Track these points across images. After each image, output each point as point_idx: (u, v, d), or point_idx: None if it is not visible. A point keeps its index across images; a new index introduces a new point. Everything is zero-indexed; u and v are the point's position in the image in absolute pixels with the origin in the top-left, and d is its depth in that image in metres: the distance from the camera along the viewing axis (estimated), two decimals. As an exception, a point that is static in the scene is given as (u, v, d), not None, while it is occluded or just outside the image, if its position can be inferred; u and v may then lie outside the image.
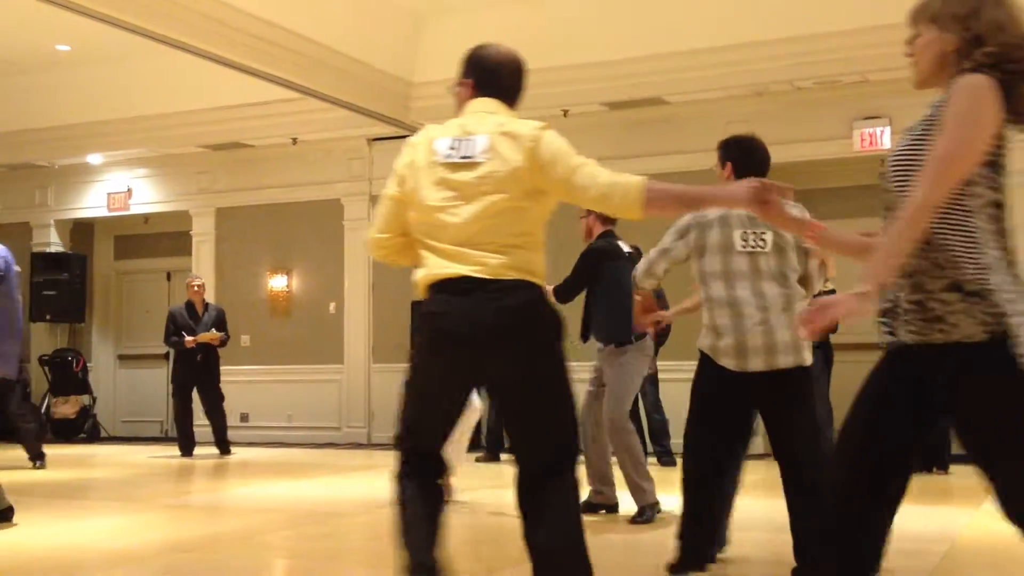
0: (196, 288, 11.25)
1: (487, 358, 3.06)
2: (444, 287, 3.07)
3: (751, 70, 10.05)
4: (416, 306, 3.24)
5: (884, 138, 10.11)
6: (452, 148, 3.21)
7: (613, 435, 6.11)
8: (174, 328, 11.05)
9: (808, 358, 4.28)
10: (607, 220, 6.31)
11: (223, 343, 11.11)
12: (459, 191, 3.12)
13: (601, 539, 5.39)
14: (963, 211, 2.49)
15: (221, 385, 11.11)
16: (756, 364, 4.17)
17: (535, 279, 3.10)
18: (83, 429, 13.48)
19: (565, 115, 11.18)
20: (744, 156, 4.38)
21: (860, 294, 2.48)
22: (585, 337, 6.42)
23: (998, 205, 2.52)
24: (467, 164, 3.15)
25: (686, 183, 3.63)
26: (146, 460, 10.85)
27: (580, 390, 6.06)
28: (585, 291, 6.34)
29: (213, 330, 10.99)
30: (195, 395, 11.10)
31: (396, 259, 3.37)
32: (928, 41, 2.74)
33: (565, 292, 6.16)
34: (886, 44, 9.54)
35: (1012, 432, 2.41)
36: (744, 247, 4.24)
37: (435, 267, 3.10)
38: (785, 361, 4.19)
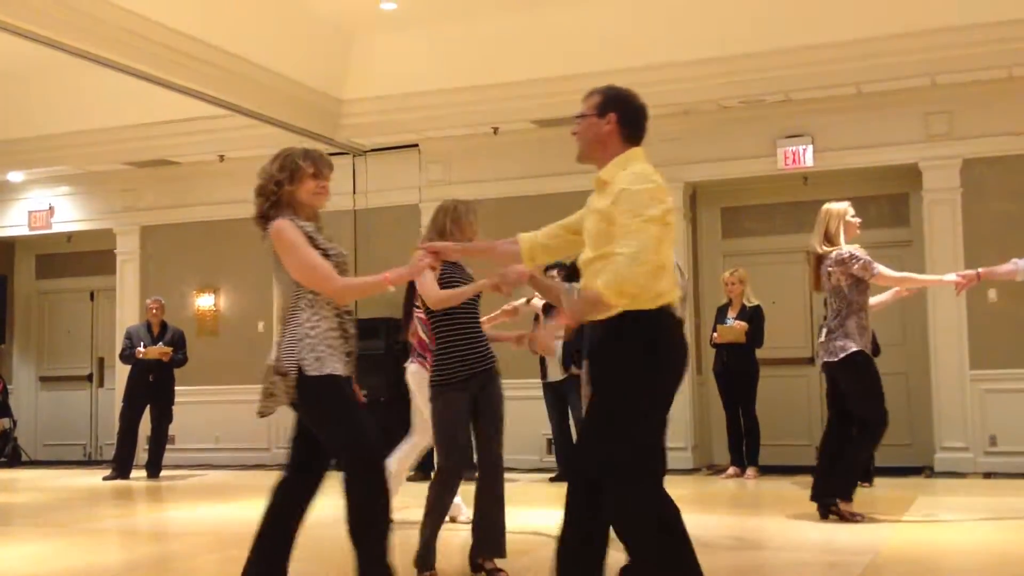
0: (154, 310, 11.17)
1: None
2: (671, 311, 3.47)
3: (678, 89, 10.18)
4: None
5: (807, 156, 10.31)
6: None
7: None
8: (129, 345, 10.96)
9: None
10: None
11: (177, 363, 11.00)
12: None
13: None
14: None
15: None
16: None
17: None
18: (3, 453, 13.14)
19: (495, 132, 11.24)
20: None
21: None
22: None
23: None
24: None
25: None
26: (69, 484, 10.59)
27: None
28: None
29: (161, 344, 10.87)
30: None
31: None
32: None
33: None
34: (808, 64, 9.81)
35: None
36: None
37: (671, 293, 3.47)
38: None
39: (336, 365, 3.95)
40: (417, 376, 6.28)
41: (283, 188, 4.06)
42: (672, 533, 3.34)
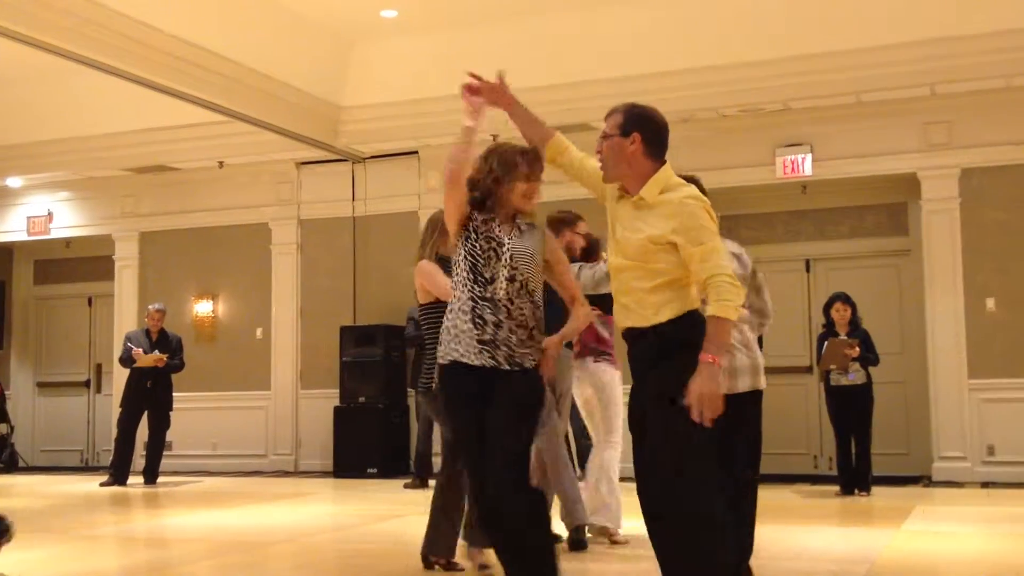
0: (156, 317, 11.14)
1: None
2: None
3: (677, 97, 10.18)
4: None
5: (806, 165, 10.32)
6: None
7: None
8: (128, 350, 10.95)
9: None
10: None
11: (172, 368, 10.99)
12: None
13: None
14: None
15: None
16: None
17: None
18: (0, 459, 13.12)
19: (494, 140, 11.21)
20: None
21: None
22: None
23: None
24: None
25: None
26: (66, 490, 10.58)
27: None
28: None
29: (156, 351, 10.85)
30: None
31: None
32: None
33: None
34: (808, 73, 9.83)
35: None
36: None
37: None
38: (743, 385, 4.46)
39: (457, 350, 3.95)
40: (616, 376, 6.21)
41: (500, 186, 4.06)
42: None
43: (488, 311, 3.91)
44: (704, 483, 3.42)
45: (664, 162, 3.68)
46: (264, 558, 6.21)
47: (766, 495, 9.13)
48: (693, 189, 3.63)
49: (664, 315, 3.53)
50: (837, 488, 9.03)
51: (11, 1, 8.08)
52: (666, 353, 3.54)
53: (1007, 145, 9.84)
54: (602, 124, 3.77)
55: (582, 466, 9.70)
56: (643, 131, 3.65)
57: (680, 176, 4.31)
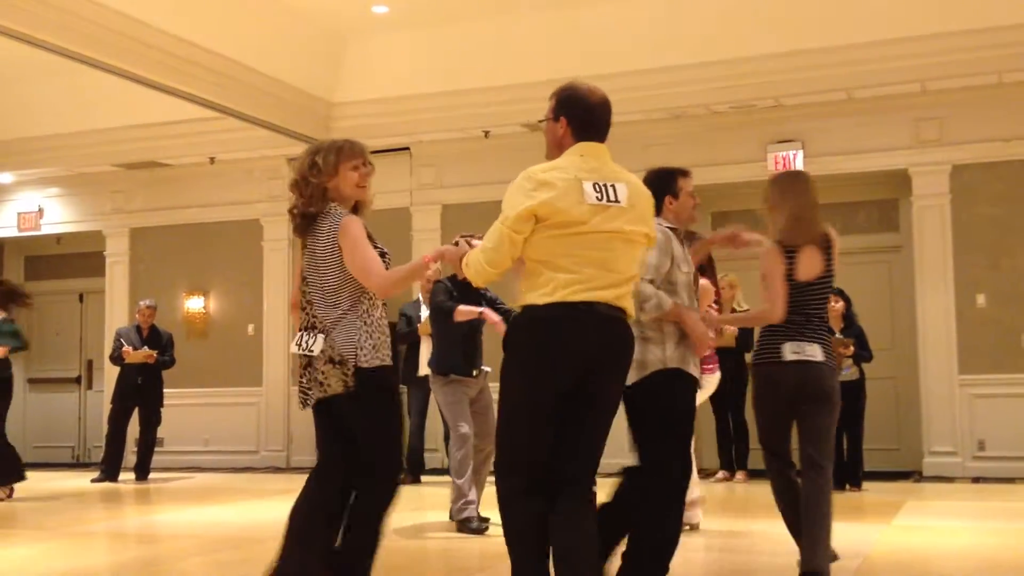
0: (147, 313, 11.12)
1: (598, 371, 3.53)
2: (577, 307, 3.45)
3: (669, 94, 10.21)
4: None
5: (797, 161, 10.33)
6: (597, 192, 3.56)
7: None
8: (119, 347, 10.96)
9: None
10: None
11: (163, 365, 10.98)
12: (609, 231, 3.54)
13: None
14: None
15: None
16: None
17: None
18: (-9, 456, 13.07)
19: (486, 136, 11.24)
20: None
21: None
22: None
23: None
24: (615, 208, 3.57)
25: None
26: (57, 487, 10.55)
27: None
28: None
29: (145, 348, 10.83)
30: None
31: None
32: None
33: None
34: (799, 69, 9.84)
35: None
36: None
37: (571, 288, 3.47)
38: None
39: (388, 355, 4.03)
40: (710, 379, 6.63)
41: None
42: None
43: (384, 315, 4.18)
44: (512, 447, 3.59)
45: (594, 141, 3.71)
46: (256, 554, 6.19)
47: (756, 490, 9.17)
48: (540, 166, 3.64)
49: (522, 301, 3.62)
50: (828, 483, 9.04)
51: (1, -4, 8.06)
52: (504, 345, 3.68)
53: (998, 141, 9.87)
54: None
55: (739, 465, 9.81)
56: (569, 115, 3.72)
57: (672, 168, 4.36)
